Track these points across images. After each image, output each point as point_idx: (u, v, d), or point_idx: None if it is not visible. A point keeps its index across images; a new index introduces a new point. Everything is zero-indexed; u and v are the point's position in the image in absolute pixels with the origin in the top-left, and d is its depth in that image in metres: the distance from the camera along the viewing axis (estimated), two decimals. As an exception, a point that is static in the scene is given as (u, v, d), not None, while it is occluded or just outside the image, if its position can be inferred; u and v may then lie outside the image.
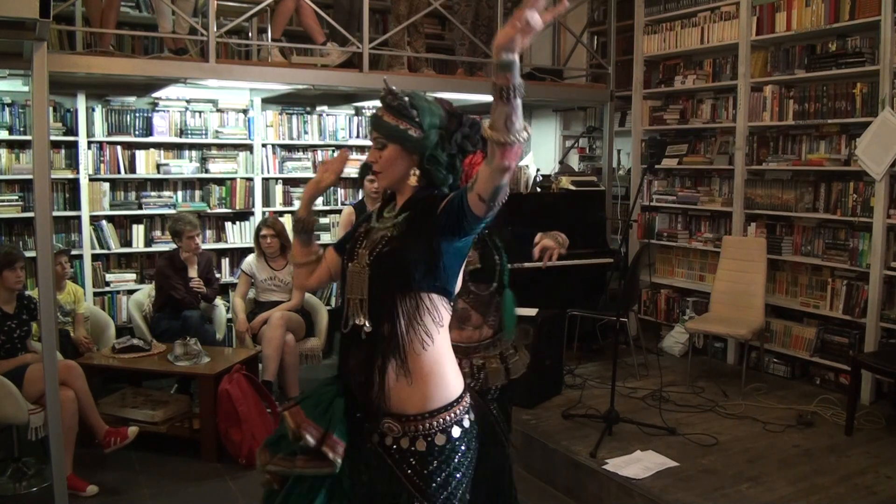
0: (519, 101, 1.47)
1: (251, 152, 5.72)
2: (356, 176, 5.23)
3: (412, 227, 1.74)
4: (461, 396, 1.78)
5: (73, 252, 5.05)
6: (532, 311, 4.44)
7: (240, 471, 3.79)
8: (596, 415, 4.13)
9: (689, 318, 5.34)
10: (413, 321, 1.70)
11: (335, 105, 6.04)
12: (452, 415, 1.75)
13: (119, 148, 5.27)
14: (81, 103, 5.08)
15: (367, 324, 1.73)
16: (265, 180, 5.77)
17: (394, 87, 1.79)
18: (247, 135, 5.69)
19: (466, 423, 1.78)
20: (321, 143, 6.00)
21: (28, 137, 4.76)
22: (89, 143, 5.15)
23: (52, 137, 4.76)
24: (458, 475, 1.75)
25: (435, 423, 1.72)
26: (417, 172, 1.78)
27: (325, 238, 5.97)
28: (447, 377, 1.76)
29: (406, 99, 1.76)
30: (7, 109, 4.97)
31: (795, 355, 4.92)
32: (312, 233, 2.03)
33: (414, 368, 1.72)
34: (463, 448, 1.76)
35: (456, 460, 1.75)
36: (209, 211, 5.58)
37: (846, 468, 3.58)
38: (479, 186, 1.58)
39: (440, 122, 1.78)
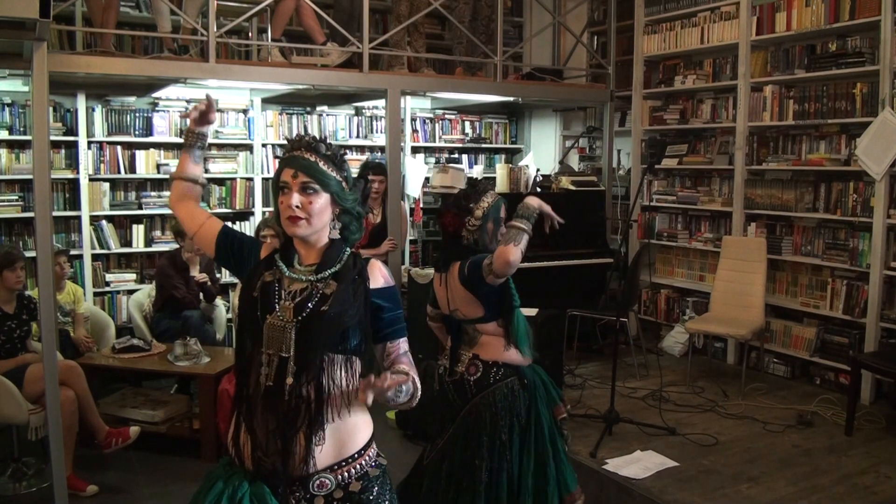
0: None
1: (251, 152, 5.73)
2: (356, 176, 5.22)
3: (348, 290, 1.68)
4: (372, 432, 1.78)
5: (73, 252, 5.05)
6: (532, 311, 4.44)
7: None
8: (596, 415, 4.13)
9: (689, 318, 5.34)
10: (340, 382, 1.66)
11: (335, 105, 6.04)
12: (374, 448, 1.76)
13: (119, 148, 5.27)
14: (81, 103, 5.08)
15: (290, 382, 1.64)
16: (265, 180, 5.77)
17: (327, 137, 1.79)
18: (247, 135, 5.69)
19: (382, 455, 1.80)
20: (321, 143, 5.99)
21: (28, 137, 4.76)
22: (89, 143, 5.15)
23: (52, 137, 4.76)
24: (396, 500, 1.78)
25: (364, 462, 1.72)
26: (339, 226, 1.76)
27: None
28: (365, 417, 1.76)
29: (339, 150, 1.76)
30: (7, 109, 4.97)
31: (795, 355, 4.92)
32: (204, 148, 1.98)
33: (341, 422, 1.69)
34: (388, 476, 1.79)
35: (389, 485, 1.77)
36: (209, 211, 5.57)
37: (846, 468, 3.58)
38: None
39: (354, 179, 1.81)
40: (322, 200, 1.71)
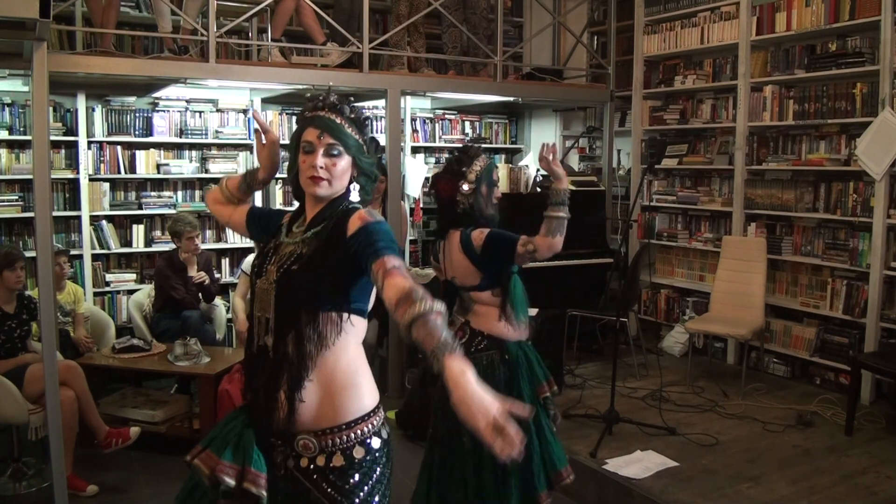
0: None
1: (251, 152, 5.72)
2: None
3: (321, 245, 1.69)
4: (377, 408, 1.74)
5: (73, 252, 5.05)
6: (532, 311, 4.43)
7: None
8: (596, 415, 4.13)
9: (689, 318, 5.34)
10: (318, 339, 1.66)
11: (335, 105, 6.03)
12: (370, 426, 1.70)
13: (119, 148, 5.28)
14: (81, 103, 5.08)
15: (271, 342, 1.68)
16: (265, 180, 5.76)
17: (351, 98, 1.80)
18: (247, 135, 5.69)
19: (385, 434, 1.74)
20: (321, 143, 5.99)
21: (28, 137, 4.76)
22: (89, 143, 5.15)
23: (52, 137, 4.76)
24: (381, 488, 1.72)
25: (352, 436, 1.68)
26: (357, 186, 1.79)
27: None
28: (362, 389, 1.72)
29: (361, 112, 1.78)
30: (7, 109, 4.97)
31: (795, 355, 4.92)
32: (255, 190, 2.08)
33: (327, 383, 1.67)
34: (384, 460, 1.72)
35: (378, 472, 1.71)
36: (209, 211, 5.57)
37: (846, 468, 3.58)
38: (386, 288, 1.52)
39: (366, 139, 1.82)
40: (344, 162, 1.74)
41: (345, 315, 1.69)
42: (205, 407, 3.94)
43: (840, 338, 4.66)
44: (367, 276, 1.62)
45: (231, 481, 1.65)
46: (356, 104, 1.80)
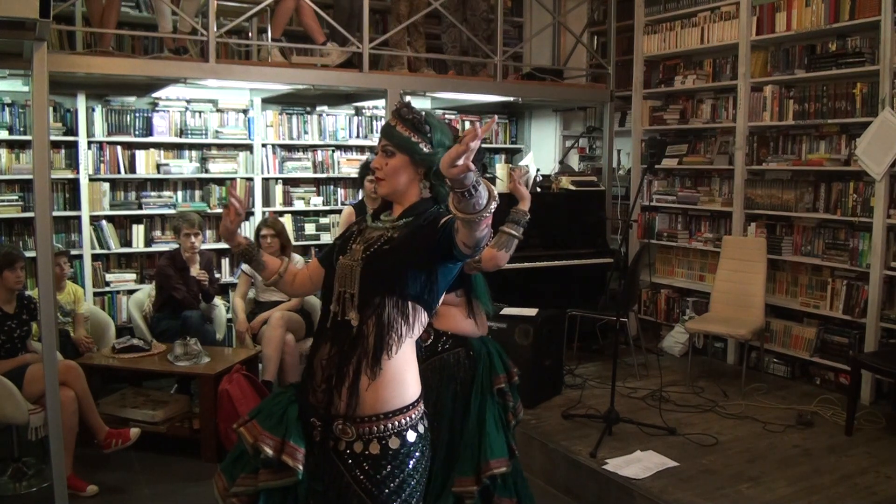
0: (479, 190, 1.51)
1: (251, 152, 5.72)
2: (356, 176, 5.23)
3: (413, 233, 1.76)
4: (417, 401, 1.78)
5: (73, 252, 5.05)
6: (532, 311, 4.44)
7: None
8: (596, 415, 4.13)
9: (689, 318, 5.34)
10: (394, 324, 1.72)
11: (335, 105, 6.04)
12: (408, 418, 1.75)
13: (119, 148, 5.27)
14: (81, 103, 5.08)
15: (355, 319, 1.74)
16: (265, 180, 5.77)
17: (410, 101, 1.89)
18: (247, 135, 5.69)
19: (421, 429, 1.78)
20: (321, 143, 6.01)
21: (28, 137, 4.76)
22: (89, 143, 5.15)
23: (52, 137, 4.76)
24: (412, 481, 1.74)
25: (390, 426, 1.72)
26: (428, 185, 1.85)
27: (326, 238, 5.98)
28: (406, 382, 1.77)
29: (422, 114, 1.84)
30: (7, 109, 4.97)
31: (795, 355, 4.92)
32: (257, 258, 2.01)
33: (381, 370, 1.73)
34: (417, 454, 1.76)
35: (410, 465, 1.74)
36: (209, 211, 5.58)
37: (846, 468, 3.58)
38: (461, 237, 1.61)
39: (448, 143, 1.84)
40: (396, 161, 1.82)
41: (418, 307, 1.75)
42: (205, 407, 3.94)
43: (840, 338, 4.66)
44: (445, 273, 1.75)
45: (270, 452, 1.76)
46: (410, 106, 1.86)
